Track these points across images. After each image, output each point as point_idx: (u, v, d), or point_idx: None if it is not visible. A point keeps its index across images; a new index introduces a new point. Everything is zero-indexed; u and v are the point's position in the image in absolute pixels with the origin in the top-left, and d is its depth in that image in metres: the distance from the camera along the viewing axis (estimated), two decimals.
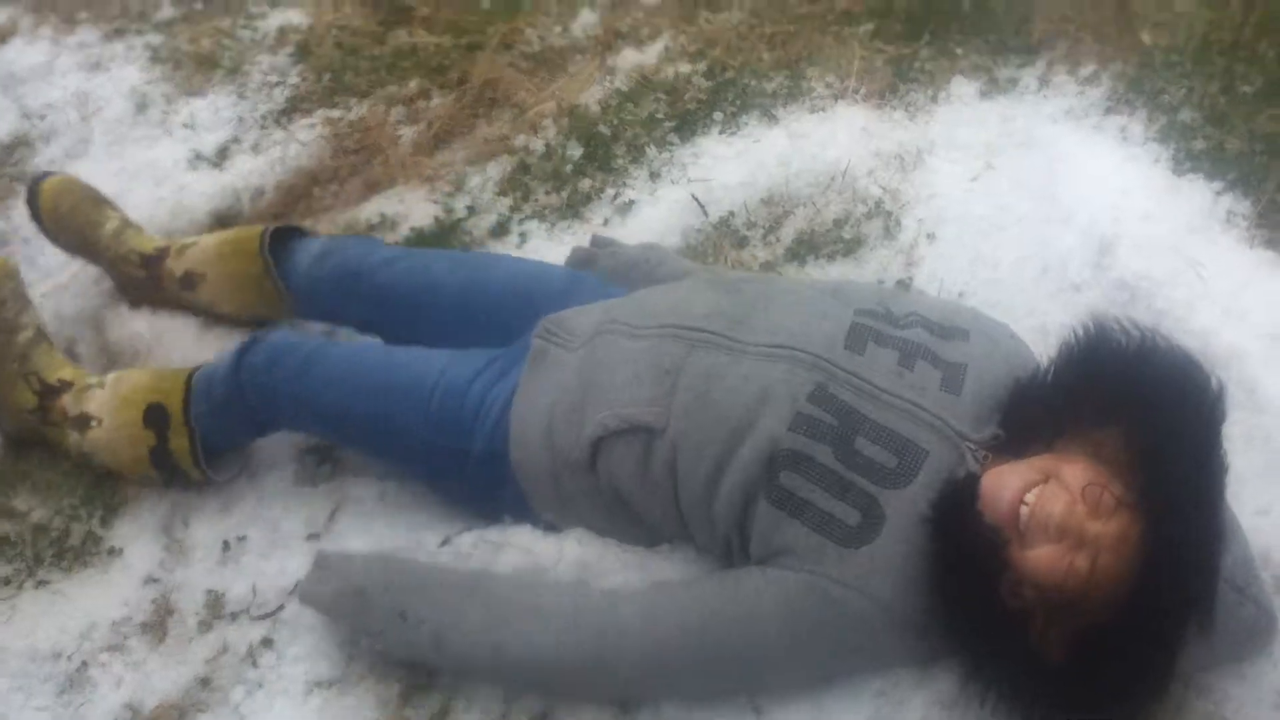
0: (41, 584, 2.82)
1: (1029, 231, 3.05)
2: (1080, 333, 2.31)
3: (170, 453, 2.85)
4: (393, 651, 2.47)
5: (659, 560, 2.53)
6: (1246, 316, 2.77)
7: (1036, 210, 3.09)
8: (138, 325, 3.23)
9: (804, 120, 3.52)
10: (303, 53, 4.11)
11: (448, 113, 3.77)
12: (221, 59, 4.12)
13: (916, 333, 2.41)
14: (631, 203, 3.40)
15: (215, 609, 2.71)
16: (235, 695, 2.56)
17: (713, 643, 2.28)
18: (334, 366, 2.73)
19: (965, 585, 2.15)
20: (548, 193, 3.50)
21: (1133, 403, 2.16)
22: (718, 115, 3.59)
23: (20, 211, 3.63)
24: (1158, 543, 2.03)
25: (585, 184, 3.49)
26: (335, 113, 3.86)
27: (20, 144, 3.90)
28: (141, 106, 3.97)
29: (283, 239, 3.10)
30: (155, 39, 4.22)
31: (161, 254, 3.23)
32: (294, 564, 2.74)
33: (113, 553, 2.86)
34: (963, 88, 3.53)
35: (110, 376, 2.95)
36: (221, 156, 3.78)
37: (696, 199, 3.32)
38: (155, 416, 2.84)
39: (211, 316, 3.25)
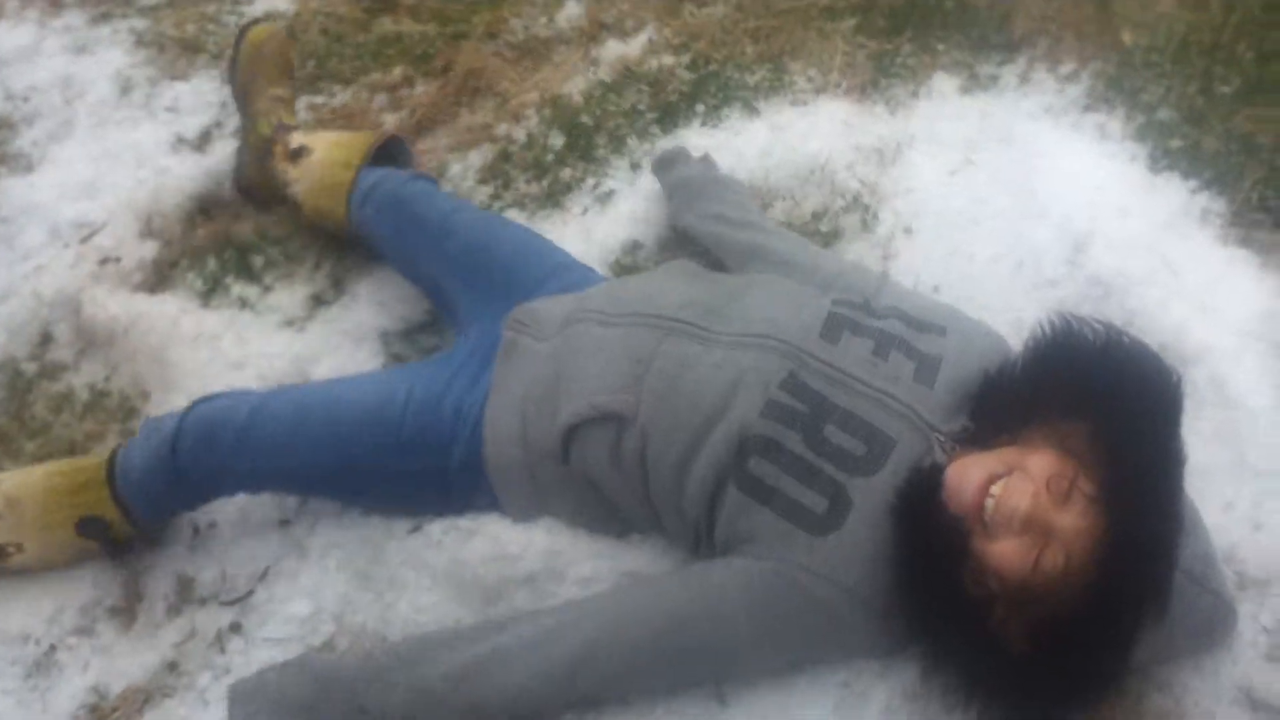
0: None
1: (1006, 226, 3.06)
2: (1047, 327, 2.32)
3: (118, 546, 2.76)
4: None
5: (629, 550, 2.55)
6: (1219, 313, 2.79)
7: (1014, 206, 3.10)
8: (114, 308, 3.21)
9: (785, 113, 3.52)
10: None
11: (431, 101, 3.77)
12: (206, 44, 4.11)
13: (893, 324, 2.42)
14: (612, 193, 3.41)
15: (185, 593, 2.72)
16: (202, 680, 2.56)
17: (682, 642, 2.29)
18: (278, 425, 2.62)
19: (928, 574, 2.16)
20: (528, 181, 3.51)
21: (1097, 396, 2.18)
22: (700, 107, 3.60)
23: (2, 191, 3.65)
24: (1117, 537, 2.04)
25: (566, 173, 3.50)
26: (319, 99, 3.86)
27: (3, 125, 3.89)
28: (125, 90, 3.96)
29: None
30: (140, 23, 4.21)
31: (296, 127, 3.42)
32: (264, 550, 2.75)
33: None
34: (943, 84, 3.54)
35: (6, 483, 2.78)
36: (204, 140, 3.77)
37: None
38: (91, 527, 2.72)
39: (288, 200, 3.37)
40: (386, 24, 4.09)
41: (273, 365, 3.07)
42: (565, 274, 2.87)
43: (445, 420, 2.57)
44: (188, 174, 3.62)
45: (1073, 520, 2.07)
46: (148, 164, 3.66)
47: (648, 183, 3.40)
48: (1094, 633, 2.07)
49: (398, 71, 3.90)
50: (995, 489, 2.12)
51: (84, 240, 3.46)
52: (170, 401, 2.97)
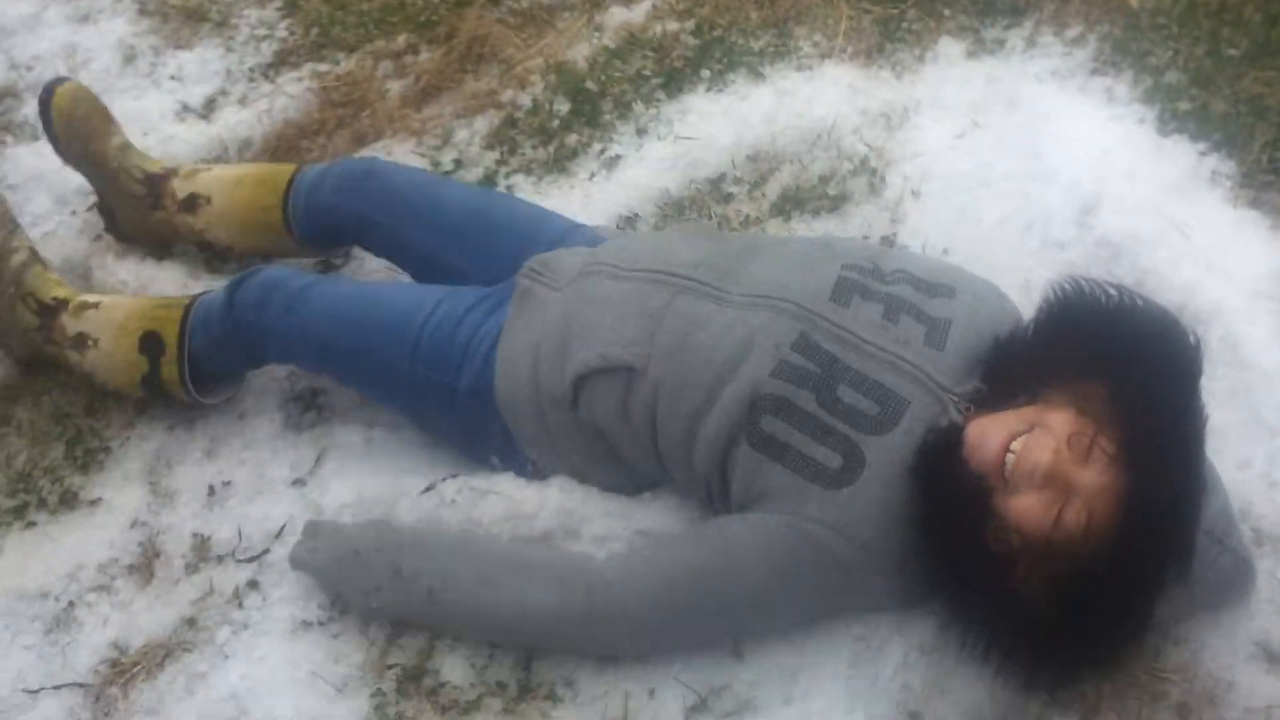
0: (30, 525, 2.84)
1: (1013, 189, 3.07)
2: (1060, 289, 2.33)
3: (161, 382, 2.89)
4: (386, 609, 2.49)
5: (641, 508, 2.57)
6: (1229, 274, 2.80)
7: (1021, 169, 3.11)
8: (123, 274, 3.23)
9: (791, 78, 3.52)
10: (291, 6, 4.09)
11: (435, 67, 3.77)
12: (209, 12, 4.10)
13: (902, 289, 2.43)
14: (618, 158, 3.41)
15: (201, 552, 2.73)
16: (221, 635, 2.58)
17: (698, 595, 2.30)
18: (322, 302, 2.75)
19: (949, 531, 2.18)
20: (534, 147, 3.51)
21: (1114, 356, 2.19)
22: (705, 73, 3.60)
23: (8, 159, 3.64)
24: (1140, 494, 2.05)
25: (572, 139, 3.50)
26: (323, 66, 3.86)
27: (8, 94, 3.88)
28: (129, 58, 3.95)
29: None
30: None
31: (167, 174, 3.25)
32: (279, 509, 2.77)
33: (94, 503, 2.87)
34: (949, 48, 3.53)
35: (105, 299, 2.98)
36: (209, 109, 3.77)
37: None
38: (150, 345, 2.87)
39: (200, 245, 3.29)
40: None
41: None
42: (581, 234, 2.88)
43: (458, 344, 2.62)
44: (193, 142, 3.62)
45: (1094, 477, 2.08)
46: (153, 132, 3.65)
47: (654, 148, 3.42)
48: (1116, 591, 2.09)
49: (401, 39, 3.89)
50: (1016, 445, 2.13)
51: (90, 208, 3.46)
52: None
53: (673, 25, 3.78)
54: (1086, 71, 3.38)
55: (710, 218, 3.17)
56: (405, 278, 3.08)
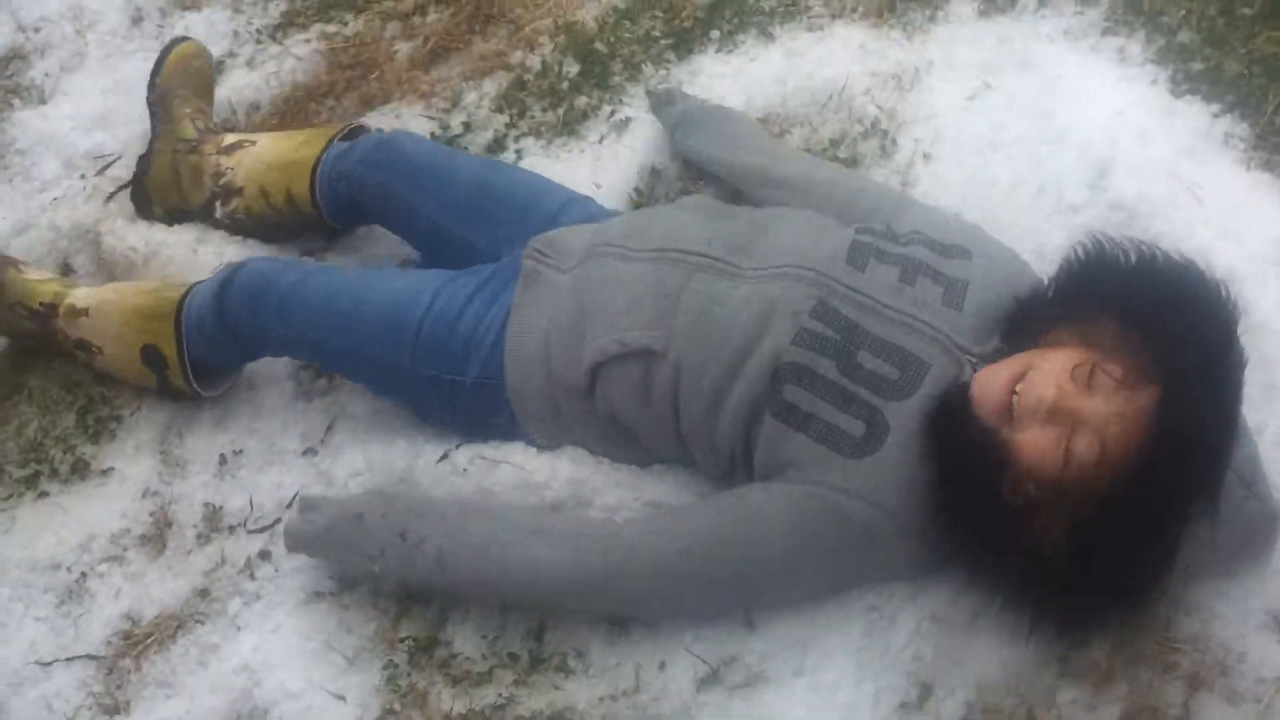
0: (41, 495, 2.86)
1: (1025, 152, 3.05)
2: (1083, 247, 2.32)
3: (173, 391, 2.92)
4: (392, 574, 2.49)
5: (652, 480, 2.57)
6: (1243, 238, 2.79)
7: (1033, 130, 3.09)
8: (133, 239, 3.21)
9: (801, 39, 3.49)
10: None
11: (444, 29, 3.75)
12: None
13: (918, 250, 2.43)
14: (628, 120, 3.39)
15: (213, 522, 2.75)
16: (233, 606, 2.60)
17: (718, 561, 2.31)
18: (315, 301, 2.73)
19: (966, 488, 2.18)
20: (544, 110, 3.49)
21: (1134, 299, 2.20)
22: (714, 34, 3.56)
23: (16, 123, 3.63)
24: (1171, 418, 2.04)
25: (581, 101, 3.48)
26: (331, 28, 3.83)
27: (15, 57, 3.87)
28: (136, 20, 3.93)
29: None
30: None
31: (209, 135, 3.29)
32: (290, 478, 2.79)
33: (106, 473, 2.89)
34: (961, 7, 3.49)
35: (93, 302, 2.96)
36: (216, 71, 3.74)
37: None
38: (153, 359, 2.88)
39: (220, 195, 3.24)
40: None
41: None
42: (577, 207, 2.88)
43: (459, 337, 2.61)
44: None
45: (1101, 405, 2.09)
46: None
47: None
48: (1138, 527, 2.08)
49: None
50: (1019, 386, 2.14)
51: (99, 172, 3.46)
52: None
53: None
54: (1098, 31, 3.34)
55: (718, 184, 3.17)
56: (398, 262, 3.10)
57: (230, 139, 3.25)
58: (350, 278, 2.83)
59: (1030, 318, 2.32)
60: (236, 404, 2.96)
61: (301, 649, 2.49)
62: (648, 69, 3.51)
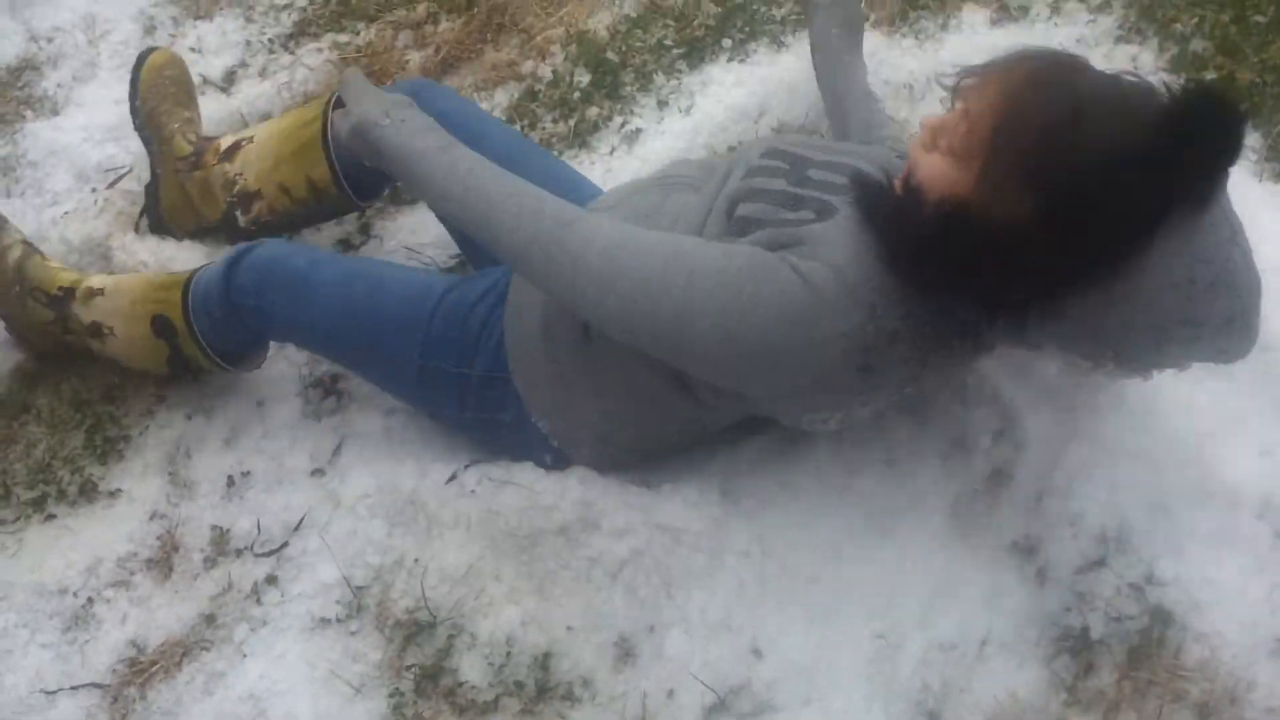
0: (49, 518, 2.85)
1: None
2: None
3: (186, 360, 2.89)
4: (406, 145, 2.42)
5: (662, 502, 2.57)
6: (1256, 251, 2.75)
7: None
8: (144, 254, 3.21)
9: None
10: None
11: (455, 38, 3.75)
12: None
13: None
14: (639, 131, 3.39)
15: (220, 545, 2.74)
16: (239, 633, 2.59)
17: (651, 254, 2.23)
18: (326, 288, 2.70)
19: (907, 236, 2.11)
20: (555, 120, 3.49)
21: None
22: (726, 43, 3.56)
23: (28, 134, 3.63)
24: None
25: (593, 112, 3.47)
26: (343, 37, 3.83)
27: (27, 67, 3.87)
28: (149, 30, 3.94)
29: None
30: None
31: (204, 144, 3.25)
32: (298, 499, 2.77)
33: (114, 494, 2.88)
34: (973, 15, 3.49)
35: (109, 283, 2.96)
36: (229, 81, 3.76)
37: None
38: (163, 328, 2.86)
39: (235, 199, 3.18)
40: None
41: None
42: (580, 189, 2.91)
43: (471, 329, 2.60)
44: (213, 115, 3.58)
45: (976, 89, 2.06)
46: None
47: (674, 121, 3.40)
48: (1073, 187, 1.96)
49: (422, 8, 3.86)
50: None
51: (110, 185, 3.45)
52: None
53: None
54: (1111, 39, 3.33)
55: None
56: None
57: (226, 141, 3.20)
58: (364, 265, 2.85)
59: None
60: (245, 422, 2.95)
61: (308, 677, 2.49)
62: (659, 78, 3.51)
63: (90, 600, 2.69)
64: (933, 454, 2.59)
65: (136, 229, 3.34)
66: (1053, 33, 3.37)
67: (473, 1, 3.84)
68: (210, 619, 2.62)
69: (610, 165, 3.32)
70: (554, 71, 3.60)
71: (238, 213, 3.16)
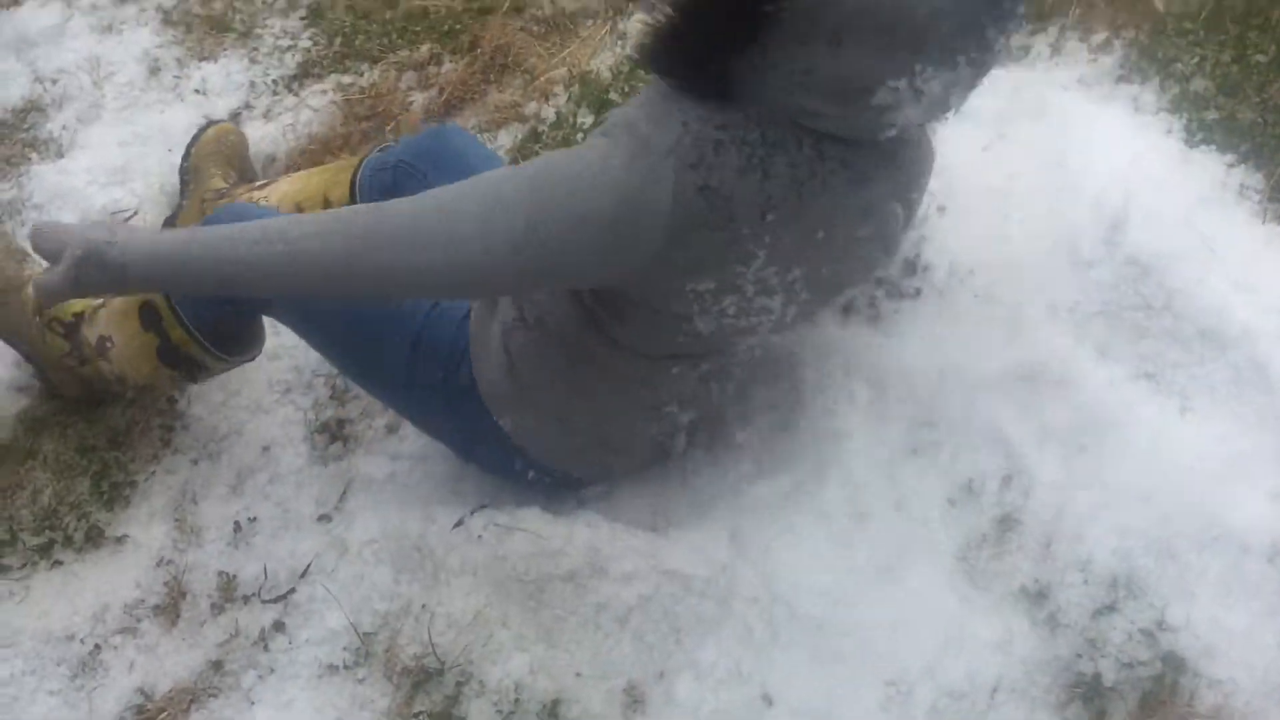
0: (56, 564, 2.85)
1: (1040, 205, 3.02)
2: None
3: (175, 347, 2.85)
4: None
5: (669, 547, 2.57)
6: (1259, 291, 2.77)
7: (1048, 182, 3.06)
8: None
9: None
10: (314, 16, 4.10)
11: (459, 79, 3.76)
12: (233, 22, 4.11)
13: None
14: None
15: (227, 591, 2.74)
16: (247, 680, 2.59)
17: (498, 193, 2.13)
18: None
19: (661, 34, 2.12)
20: None
21: None
22: None
23: (34, 176, 3.65)
24: None
25: None
26: (347, 78, 3.86)
27: (32, 108, 3.89)
28: (153, 70, 3.96)
29: None
30: (167, 1, 4.19)
31: (241, 183, 3.32)
32: (305, 545, 2.77)
33: (120, 540, 2.88)
34: None
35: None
36: (234, 122, 3.77)
37: None
38: (149, 316, 2.84)
39: None
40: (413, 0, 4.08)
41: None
42: None
43: (459, 339, 2.60)
44: None
45: None
46: (178, 147, 3.63)
47: None
48: None
49: (425, 49, 3.88)
50: None
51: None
52: (208, 395, 3.03)
53: None
54: (1113, 79, 3.34)
55: None
56: None
57: (263, 180, 3.24)
58: None
59: None
60: (251, 468, 2.97)
61: None
62: None
63: (97, 647, 2.69)
64: (940, 498, 2.58)
65: None
66: (1054, 73, 3.38)
67: (476, 43, 3.86)
68: (218, 665, 2.62)
69: None
70: (557, 113, 3.61)
71: None
